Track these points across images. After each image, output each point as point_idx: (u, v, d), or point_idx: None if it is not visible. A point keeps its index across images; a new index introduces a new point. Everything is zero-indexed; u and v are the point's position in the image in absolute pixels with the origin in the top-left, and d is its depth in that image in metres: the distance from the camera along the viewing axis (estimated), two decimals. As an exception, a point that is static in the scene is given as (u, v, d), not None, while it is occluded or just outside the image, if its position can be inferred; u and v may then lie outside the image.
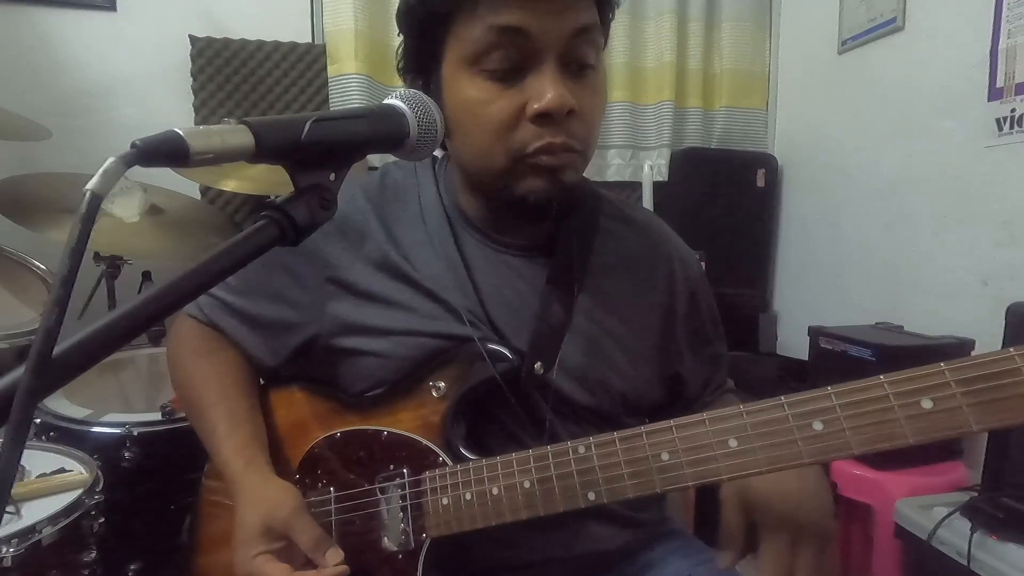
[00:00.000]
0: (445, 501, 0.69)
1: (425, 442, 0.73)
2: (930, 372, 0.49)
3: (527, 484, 0.64)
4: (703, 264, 0.97)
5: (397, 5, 0.74)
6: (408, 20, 0.72)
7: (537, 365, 0.74)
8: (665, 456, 0.58)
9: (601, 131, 2.55)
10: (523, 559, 0.77)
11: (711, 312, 0.89)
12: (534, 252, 0.80)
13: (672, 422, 0.59)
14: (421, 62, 0.73)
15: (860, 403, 0.51)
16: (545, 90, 0.65)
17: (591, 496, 0.61)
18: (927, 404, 0.49)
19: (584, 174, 0.79)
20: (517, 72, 0.67)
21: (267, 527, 0.68)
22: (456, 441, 0.72)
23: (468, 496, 0.68)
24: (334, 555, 0.68)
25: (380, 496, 0.73)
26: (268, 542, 0.68)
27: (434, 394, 0.74)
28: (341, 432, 0.78)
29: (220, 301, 0.83)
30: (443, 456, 0.72)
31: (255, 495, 0.71)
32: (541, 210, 0.72)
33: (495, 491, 0.66)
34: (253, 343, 0.83)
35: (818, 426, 0.53)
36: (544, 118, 0.66)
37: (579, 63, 0.68)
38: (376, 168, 1.62)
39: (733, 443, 0.56)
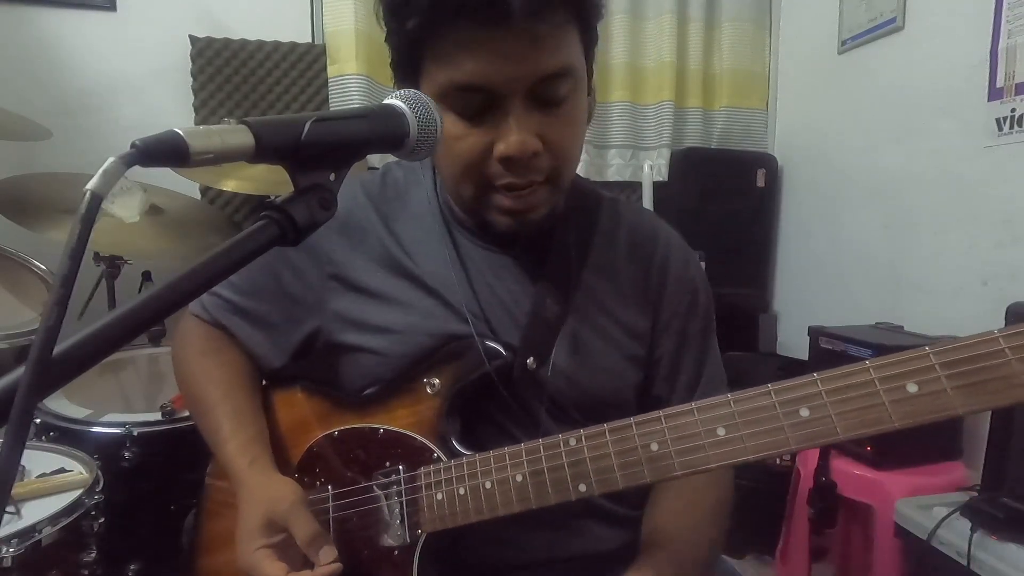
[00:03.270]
0: (440, 496, 0.69)
1: (420, 438, 0.73)
2: (915, 356, 0.50)
3: (519, 477, 0.65)
4: (703, 264, 0.96)
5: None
6: (389, 48, 0.72)
7: (530, 360, 0.75)
8: (654, 446, 0.59)
9: (601, 131, 2.54)
10: (522, 559, 0.77)
11: (706, 311, 0.87)
12: (525, 252, 0.80)
13: (661, 412, 0.59)
14: (406, 85, 0.73)
15: (846, 388, 0.52)
16: (508, 135, 0.66)
17: (582, 488, 0.61)
18: (912, 388, 0.49)
19: (584, 174, 0.79)
20: (485, 112, 0.67)
21: (268, 520, 0.69)
22: (451, 437, 0.73)
23: (462, 491, 0.68)
24: (327, 554, 0.67)
25: (376, 493, 0.74)
26: (269, 535, 0.68)
27: (429, 391, 0.75)
28: (339, 431, 0.79)
29: (224, 300, 0.84)
30: (438, 452, 0.72)
31: (258, 491, 0.72)
32: (510, 239, 0.74)
33: (488, 485, 0.66)
34: (258, 341, 0.84)
35: (804, 412, 0.53)
36: (509, 161, 0.67)
37: (548, 100, 0.68)
38: (376, 168, 1.62)
39: (721, 431, 0.56)
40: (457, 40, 0.64)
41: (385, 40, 0.72)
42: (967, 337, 0.48)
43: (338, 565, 0.67)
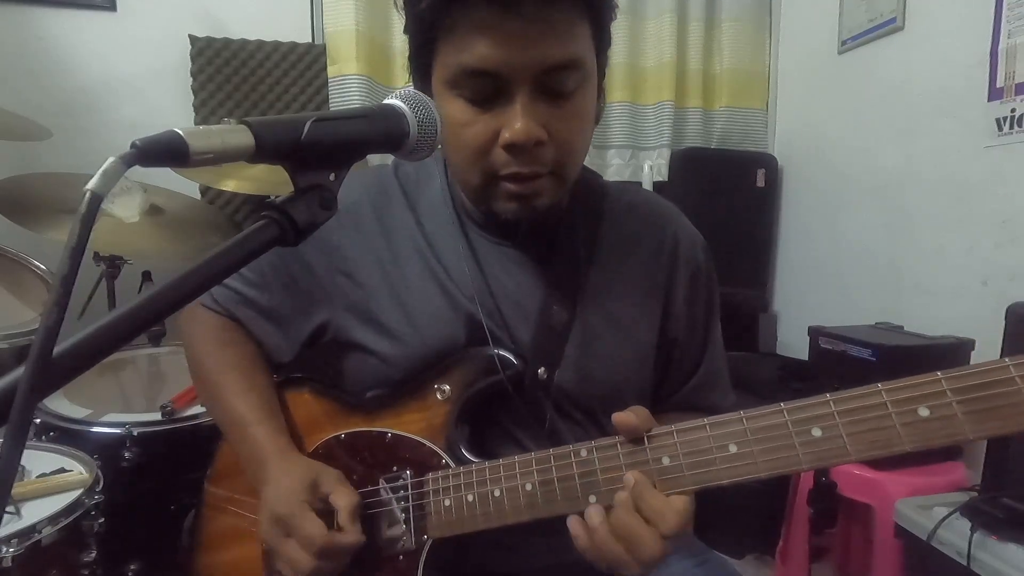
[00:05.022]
0: (447, 503, 0.69)
1: (429, 444, 0.73)
2: (927, 380, 0.50)
3: (529, 486, 0.65)
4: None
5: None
6: (407, 32, 0.73)
7: (541, 370, 0.75)
8: (666, 460, 0.59)
9: (601, 131, 2.53)
10: (524, 564, 0.77)
11: (710, 296, 0.87)
12: (534, 247, 0.80)
13: (673, 427, 0.59)
14: (420, 70, 0.74)
15: (858, 410, 0.52)
16: (514, 122, 0.66)
17: (592, 498, 0.61)
18: (924, 412, 0.50)
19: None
20: (493, 98, 0.67)
21: (314, 482, 0.71)
22: (459, 443, 0.73)
23: (470, 498, 0.68)
24: (358, 527, 0.70)
25: (383, 497, 0.74)
26: (312, 496, 0.70)
27: (439, 396, 0.74)
28: (346, 433, 0.78)
29: (235, 292, 0.84)
30: (446, 458, 0.72)
31: (298, 465, 0.74)
32: (514, 227, 0.74)
33: (497, 493, 0.66)
34: (269, 334, 0.84)
35: (817, 432, 0.53)
36: (513, 147, 0.67)
37: (555, 91, 0.68)
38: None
39: (733, 448, 0.56)
40: (469, 23, 0.65)
41: (404, 31, 0.73)
42: (979, 364, 0.49)
43: (363, 537, 0.69)
